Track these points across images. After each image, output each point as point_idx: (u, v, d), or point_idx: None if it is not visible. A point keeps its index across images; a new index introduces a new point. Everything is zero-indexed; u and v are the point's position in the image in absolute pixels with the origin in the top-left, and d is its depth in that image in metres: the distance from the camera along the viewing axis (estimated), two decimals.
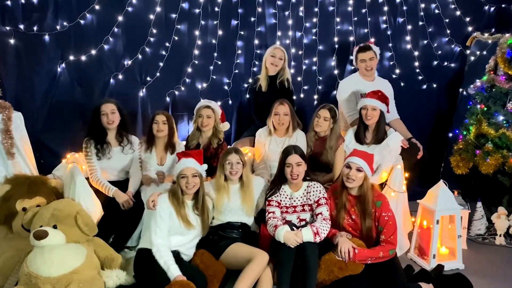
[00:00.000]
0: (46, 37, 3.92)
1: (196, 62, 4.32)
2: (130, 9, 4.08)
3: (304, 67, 4.57)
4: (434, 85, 4.82)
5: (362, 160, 2.81)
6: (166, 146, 3.46)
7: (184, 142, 3.71)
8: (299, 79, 4.57)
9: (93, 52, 4.03)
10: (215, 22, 4.31)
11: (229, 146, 3.71)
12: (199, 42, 4.30)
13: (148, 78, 4.23)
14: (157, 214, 2.67)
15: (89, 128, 3.38)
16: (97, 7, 3.98)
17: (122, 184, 3.30)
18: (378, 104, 3.36)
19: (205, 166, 2.84)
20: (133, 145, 3.43)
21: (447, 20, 4.73)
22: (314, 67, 4.61)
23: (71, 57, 4.00)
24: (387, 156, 3.36)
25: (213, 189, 2.98)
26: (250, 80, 4.47)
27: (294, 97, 4.12)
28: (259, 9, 4.40)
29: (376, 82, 3.94)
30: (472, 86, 4.22)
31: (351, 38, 4.61)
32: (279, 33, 4.48)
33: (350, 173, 2.80)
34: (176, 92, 4.32)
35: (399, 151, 3.44)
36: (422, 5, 4.68)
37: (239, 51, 4.43)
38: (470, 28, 4.76)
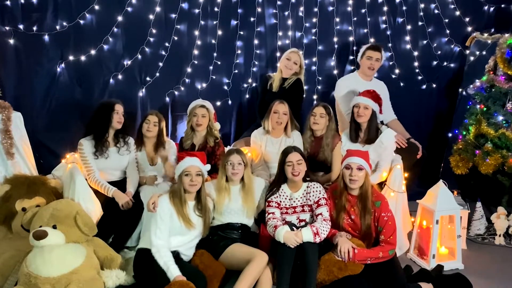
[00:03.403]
0: (46, 37, 3.91)
1: (196, 62, 4.32)
2: (129, 9, 4.07)
3: (304, 67, 4.57)
4: (434, 85, 4.82)
5: (360, 158, 2.81)
6: (155, 147, 3.47)
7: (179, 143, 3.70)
8: None
9: (93, 52, 4.03)
10: (214, 22, 4.31)
11: (229, 147, 3.70)
12: (198, 42, 4.30)
13: (148, 78, 4.23)
14: (157, 215, 2.67)
15: (91, 123, 3.28)
16: (96, 7, 3.98)
17: (119, 184, 3.29)
18: (371, 103, 3.36)
19: (208, 167, 2.84)
20: (129, 146, 3.41)
21: (447, 20, 4.73)
22: (314, 67, 4.60)
23: (71, 57, 3.99)
24: (383, 154, 3.36)
25: (214, 190, 2.97)
26: (250, 80, 4.47)
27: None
28: (259, 9, 4.40)
29: (372, 82, 3.97)
30: (471, 86, 4.24)
31: (351, 38, 4.61)
32: (279, 33, 4.47)
33: (352, 173, 2.79)
34: (176, 92, 4.32)
35: (394, 148, 3.44)
36: (422, 5, 4.68)
37: (239, 51, 4.42)
38: (469, 28, 4.76)
